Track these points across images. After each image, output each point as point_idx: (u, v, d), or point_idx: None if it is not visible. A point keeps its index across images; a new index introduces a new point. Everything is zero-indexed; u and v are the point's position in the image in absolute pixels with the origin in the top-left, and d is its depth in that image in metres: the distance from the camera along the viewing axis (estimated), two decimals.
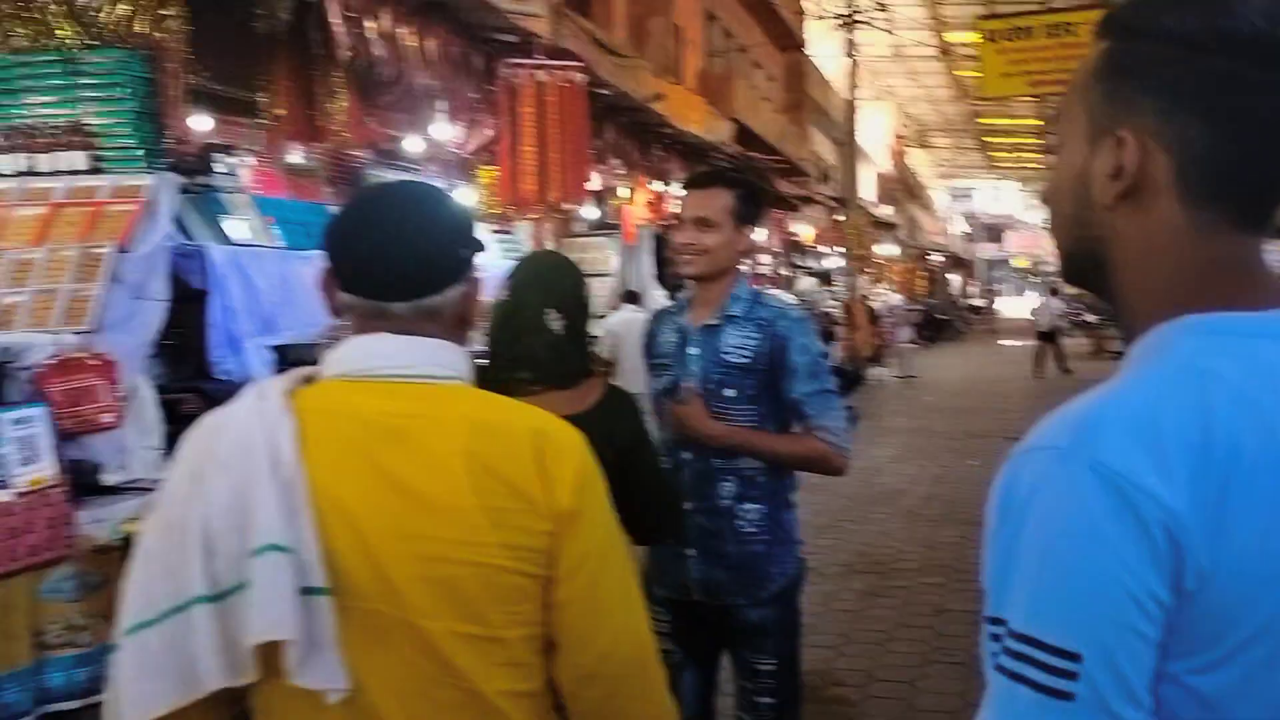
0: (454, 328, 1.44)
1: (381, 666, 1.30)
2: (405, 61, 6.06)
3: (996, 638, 0.87)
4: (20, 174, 5.16)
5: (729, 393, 2.73)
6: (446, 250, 1.41)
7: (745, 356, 2.72)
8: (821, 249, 25.68)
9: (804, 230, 23.75)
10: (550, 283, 2.37)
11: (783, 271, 21.74)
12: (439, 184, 1.60)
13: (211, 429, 1.36)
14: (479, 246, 1.48)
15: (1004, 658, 0.86)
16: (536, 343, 2.28)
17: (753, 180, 3.03)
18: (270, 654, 1.26)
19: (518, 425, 1.37)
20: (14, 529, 4.16)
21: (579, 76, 7.22)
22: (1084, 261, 1.00)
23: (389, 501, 1.30)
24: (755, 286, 2.87)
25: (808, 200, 22.33)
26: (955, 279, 46.82)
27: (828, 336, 14.91)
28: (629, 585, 1.41)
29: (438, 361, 1.39)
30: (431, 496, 1.30)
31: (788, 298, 3.12)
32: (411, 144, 7.74)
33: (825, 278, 22.69)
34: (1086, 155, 0.96)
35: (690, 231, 2.78)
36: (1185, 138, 0.91)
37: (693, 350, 2.80)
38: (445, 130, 7.44)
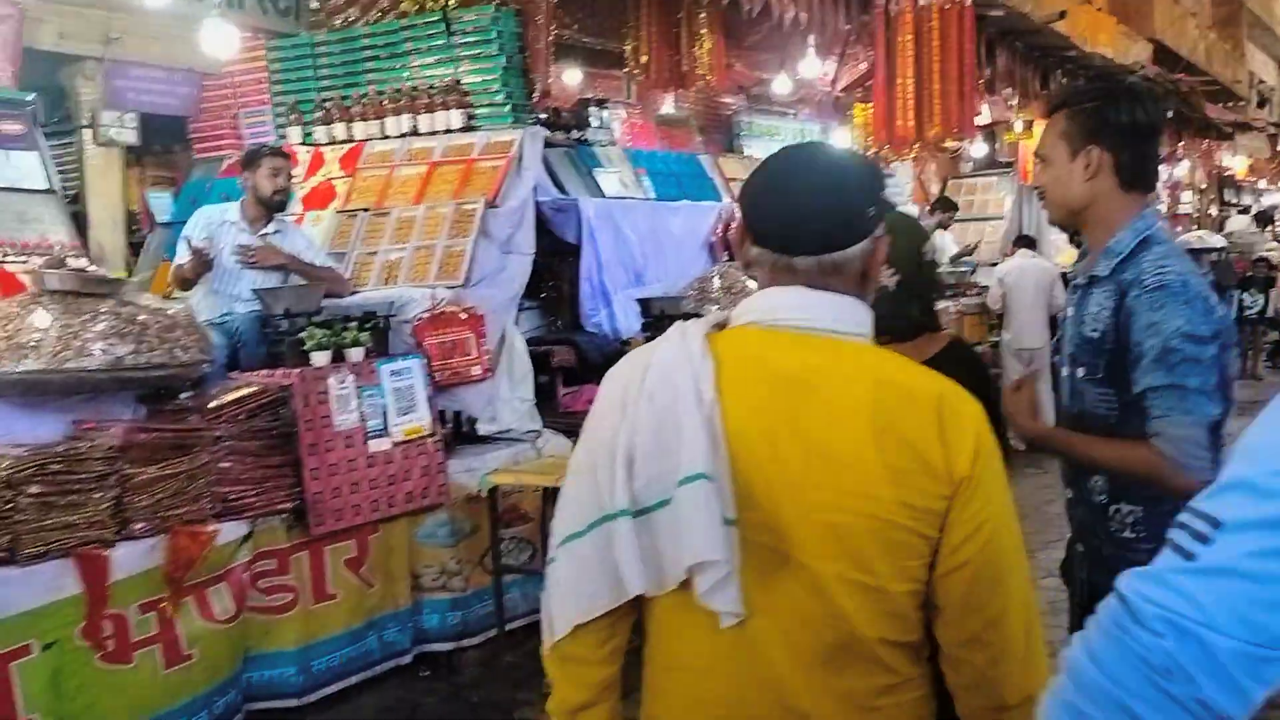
0: (858, 283, 1.47)
1: (772, 599, 1.37)
2: None
3: None
4: (404, 135, 5.42)
5: (1079, 371, 2.24)
6: (853, 209, 1.45)
7: (1095, 329, 2.17)
8: (1259, 183, 22.40)
9: (1237, 163, 20.78)
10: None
11: (1212, 211, 19.17)
12: (829, 141, 1.63)
13: (638, 364, 1.47)
14: (886, 206, 1.50)
15: (1171, 530, 0.93)
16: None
17: (1109, 87, 2.39)
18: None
19: (921, 388, 1.41)
20: (393, 475, 4.34)
21: None
22: None
23: (793, 447, 1.37)
24: (1157, 231, 2.17)
25: (1242, 127, 19.45)
26: None
27: (1267, 284, 12.82)
28: (1020, 555, 1.42)
29: (844, 317, 1.44)
30: (834, 448, 1.36)
31: (1190, 246, 2.26)
32: (780, 85, 7.37)
33: (1264, 217, 19.73)
34: None
35: (1037, 172, 2.34)
36: None
37: (1069, 311, 2.34)
38: (814, 67, 7.00)
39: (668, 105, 8.06)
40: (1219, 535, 0.93)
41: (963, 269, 9.08)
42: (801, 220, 1.43)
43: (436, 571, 4.52)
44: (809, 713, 1.39)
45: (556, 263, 6.33)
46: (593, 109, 7.06)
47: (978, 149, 10.89)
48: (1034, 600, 1.43)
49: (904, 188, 10.20)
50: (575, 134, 6.87)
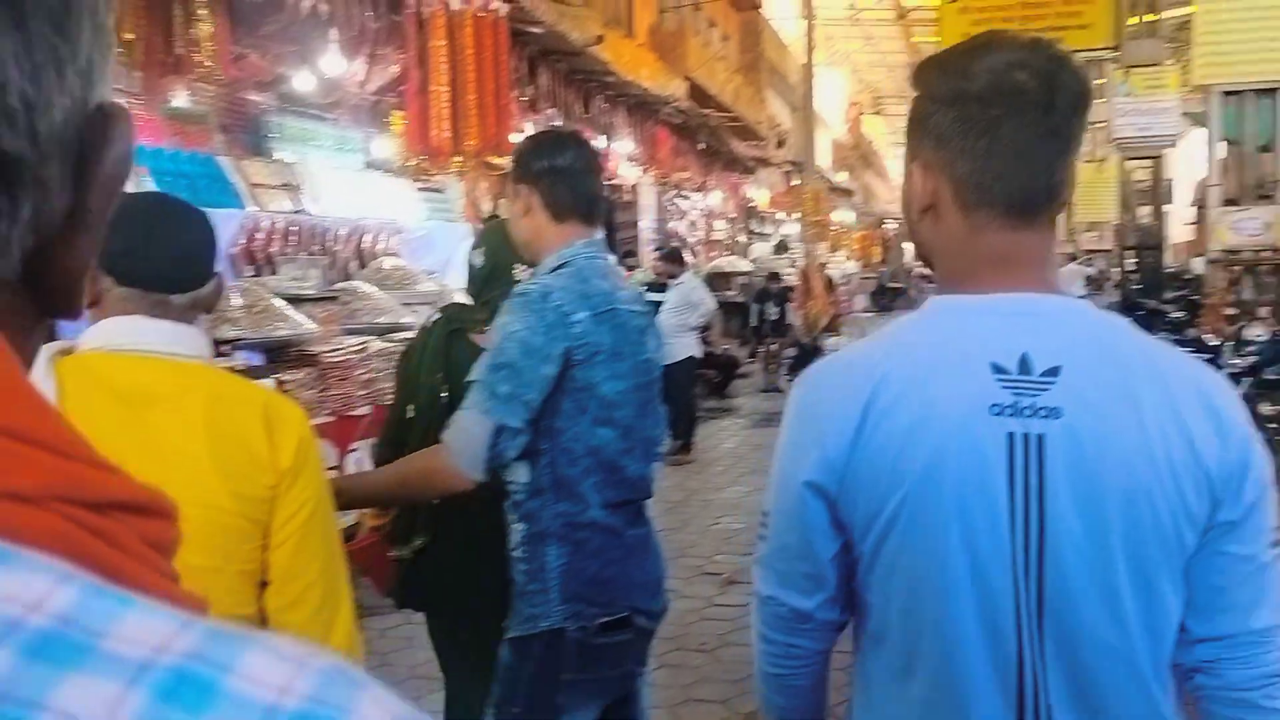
0: (203, 313, 1.75)
1: None
2: None
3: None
4: None
5: None
6: (212, 250, 1.75)
7: None
8: (778, 214, 25.00)
9: (760, 195, 23.01)
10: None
11: (741, 238, 20.97)
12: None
13: None
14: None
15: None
16: (502, 293, 2.52)
17: (536, 137, 2.72)
18: None
19: (249, 396, 1.69)
20: None
21: (500, 7, 6.27)
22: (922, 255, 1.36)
23: (134, 452, 1.53)
24: (577, 258, 2.30)
25: (764, 163, 21.54)
26: (909, 247, 46.46)
27: (782, 297, 14.31)
28: (333, 536, 1.72)
29: (184, 341, 1.68)
30: (171, 451, 1.58)
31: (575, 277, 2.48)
32: (302, 82, 6.72)
33: (782, 245, 21.99)
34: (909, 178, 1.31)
35: None
36: (952, 166, 1.24)
37: None
38: (339, 65, 6.45)
39: (180, 98, 7.09)
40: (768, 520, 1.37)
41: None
42: (179, 264, 1.66)
43: None
44: None
45: None
46: None
47: None
48: (345, 574, 1.69)
49: (454, 204, 9.91)
50: None
